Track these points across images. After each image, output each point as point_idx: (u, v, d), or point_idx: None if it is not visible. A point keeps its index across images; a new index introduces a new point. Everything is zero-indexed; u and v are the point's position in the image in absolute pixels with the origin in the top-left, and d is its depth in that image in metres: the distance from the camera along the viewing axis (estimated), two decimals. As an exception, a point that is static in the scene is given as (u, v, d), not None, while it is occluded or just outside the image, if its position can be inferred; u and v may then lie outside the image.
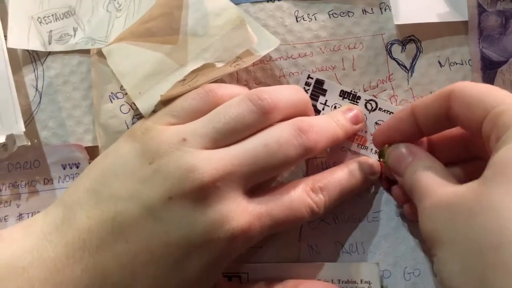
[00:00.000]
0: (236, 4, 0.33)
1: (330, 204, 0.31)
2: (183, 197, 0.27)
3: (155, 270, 0.27)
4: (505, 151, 0.23)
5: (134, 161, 0.29)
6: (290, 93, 0.31)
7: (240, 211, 0.27)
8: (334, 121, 0.32)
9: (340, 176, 0.32)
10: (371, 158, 0.33)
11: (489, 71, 0.33)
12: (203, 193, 0.27)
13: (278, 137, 0.29)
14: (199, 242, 0.27)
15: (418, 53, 0.34)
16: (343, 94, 0.34)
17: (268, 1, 0.34)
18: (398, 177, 0.30)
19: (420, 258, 0.33)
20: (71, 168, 0.34)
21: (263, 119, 0.29)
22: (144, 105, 0.31)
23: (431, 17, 0.33)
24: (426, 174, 0.27)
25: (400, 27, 0.34)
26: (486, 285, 0.22)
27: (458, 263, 0.24)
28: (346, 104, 0.34)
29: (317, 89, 0.34)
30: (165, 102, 0.31)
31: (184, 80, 0.30)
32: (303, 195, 0.30)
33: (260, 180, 0.29)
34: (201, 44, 0.31)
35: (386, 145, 0.31)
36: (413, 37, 0.34)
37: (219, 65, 0.31)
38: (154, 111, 0.31)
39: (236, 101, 0.30)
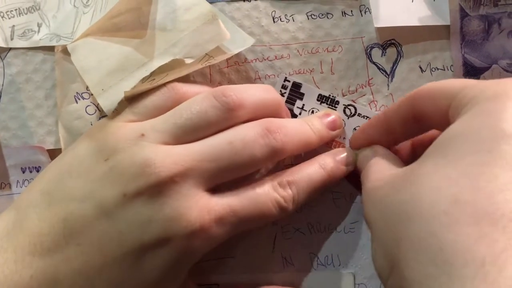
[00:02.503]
0: (211, 3, 0.31)
1: (299, 198, 0.29)
2: (138, 194, 0.25)
3: (110, 273, 0.25)
4: (447, 130, 0.23)
5: (90, 160, 0.27)
6: (259, 92, 0.29)
7: (199, 208, 0.26)
8: (308, 125, 0.30)
9: (309, 169, 0.30)
10: (344, 149, 0.31)
11: (471, 77, 0.32)
12: (159, 189, 0.25)
13: (243, 136, 0.27)
14: (155, 241, 0.25)
15: (399, 57, 0.33)
16: (321, 99, 0.32)
17: (244, 0, 0.33)
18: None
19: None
20: (31, 172, 0.32)
21: (227, 116, 0.28)
22: (106, 103, 0.29)
23: (412, 21, 0.32)
24: (377, 160, 0.27)
25: (380, 30, 0.32)
26: (396, 260, 0.21)
27: (378, 243, 0.23)
28: (324, 109, 0.32)
29: (294, 92, 0.32)
30: (129, 100, 0.29)
31: (150, 77, 0.28)
32: (269, 190, 0.28)
33: (223, 180, 0.28)
34: (170, 39, 0.30)
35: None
36: (393, 41, 0.33)
37: (188, 61, 0.29)
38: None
39: (199, 97, 0.28)
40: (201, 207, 0.26)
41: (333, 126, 0.31)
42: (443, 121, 0.24)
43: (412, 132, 0.28)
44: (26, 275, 0.25)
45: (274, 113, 0.30)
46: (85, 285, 0.25)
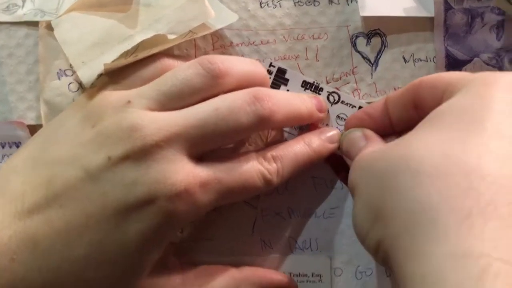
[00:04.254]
0: (199, -15, 0.31)
1: (284, 173, 0.29)
2: (124, 157, 0.25)
3: (91, 235, 0.25)
4: (440, 106, 0.24)
5: (76, 126, 0.27)
6: (246, 63, 0.30)
7: (185, 172, 0.26)
8: (298, 97, 0.31)
9: (294, 146, 0.30)
10: (330, 128, 0.32)
11: (453, 69, 0.33)
12: (145, 153, 0.25)
13: (230, 102, 0.27)
14: (138, 204, 0.25)
15: (383, 47, 0.33)
16: (305, 85, 0.33)
17: (232, -16, 0.33)
18: (349, 161, 0.29)
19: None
20: (10, 147, 0.32)
21: (212, 83, 0.28)
22: (85, 75, 0.29)
23: (397, 11, 0.32)
24: (368, 138, 0.29)
25: (365, 19, 0.33)
26: (380, 211, 0.23)
27: (361, 201, 0.24)
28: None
29: (279, 78, 0.33)
30: (110, 73, 0.29)
31: (133, 53, 0.28)
32: (254, 162, 0.28)
33: (209, 147, 0.28)
34: (154, 15, 0.30)
35: (343, 131, 0.30)
36: (378, 31, 0.33)
37: (171, 37, 0.29)
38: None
39: (185, 65, 0.28)
40: (187, 171, 0.26)
41: (320, 108, 0.31)
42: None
43: (409, 119, 0.29)
44: (5, 236, 0.25)
45: (259, 86, 0.30)
46: (64, 247, 0.25)
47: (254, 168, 0.28)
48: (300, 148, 0.30)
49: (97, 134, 0.26)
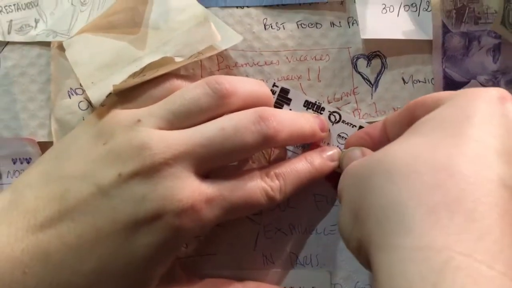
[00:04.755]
0: (205, 7, 0.32)
1: (286, 190, 0.30)
2: (134, 174, 0.26)
3: (102, 249, 0.26)
4: (422, 118, 0.26)
5: (88, 143, 0.28)
6: (251, 84, 0.31)
7: (191, 189, 0.27)
8: (302, 116, 0.32)
9: (297, 163, 0.31)
10: (331, 147, 0.33)
11: (451, 90, 0.34)
12: (154, 170, 0.26)
13: (236, 122, 0.28)
14: (147, 219, 0.26)
15: (383, 68, 0.34)
16: (308, 105, 0.34)
17: (237, 7, 0.34)
18: None
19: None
20: (21, 163, 0.33)
21: (219, 103, 0.29)
22: (95, 95, 0.30)
23: (397, 34, 0.33)
24: (363, 155, 0.30)
25: (366, 42, 0.34)
26: (358, 210, 0.24)
27: (345, 205, 0.26)
28: (310, 114, 0.34)
29: (282, 98, 0.34)
30: (118, 93, 0.30)
31: (141, 73, 0.29)
32: (257, 179, 0.29)
33: (215, 166, 0.29)
34: (162, 38, 0.31)
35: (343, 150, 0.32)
36: (378, 53, 0.34)
37: (178, 59, 0.30)
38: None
39: (193, 85, 0.29)
40: (193, 188, 0.27)
41: (322, 127, 0.32)
42: None
43: None
44: (18, 249, 0.26)
45: (264, 106, 0.31)
46: (76, 260, 0.26)
47: (257, 185, 0.29)
48: (302, 166, 0.31)
49: (108, 151, 0.27)
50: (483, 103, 0.24)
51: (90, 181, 0.27)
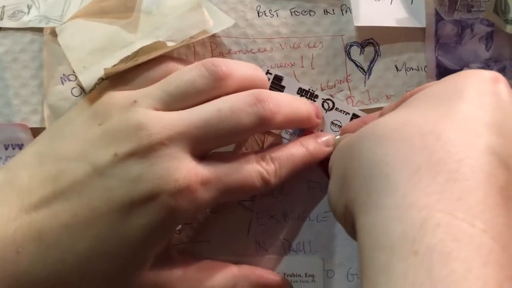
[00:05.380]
0: (199, -5, 0.32)
1: (281, 173, 0.30)
2: (130, 154, 0.26)
3: (96, 229, 0.26)
4: (414, 95, 0.26)
5: (83, 124, 0.28)
6: (247, 67, 0.31)
7: (187, 170, 0.27)
8: (298, 100, 0.32)
9: (291, 148, 0.31)
10: (325, 133, 0.33)
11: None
12: (150, 150, 0.26)
13: (232, 103, 0.28)
14: (142, 198, 0.26)
15: (376, 56, 0.34)
16: (301, 92, 0.34)
17: (231, -6, 0.34)
18: None
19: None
20: (13, 149, 0.33)
21: (215, 85, 0.29)
22: (86, 79, 0.30)
23: (390, 22, 0.33)
24: None
25: (359, 29, 0.34)
26: (345, 176, 0.25)
27: (334, 174, 0.27)
28: (303, 101, 0.34)
29: (275, 85, 0.34)
30: (114, 76, 0.30)
31: (134, 57, 0.29)
32: (253, 162, 0.29)
33: (211, 147, 0.29)
34: (154, 23, 0.31)
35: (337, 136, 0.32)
36: (372, 41, 0.34)
37: (170, 44, 0.30)
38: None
39: (190, 67, 0.29)
40: (189, 169, 0.27)
41: (317, 113, 0.33)
42: None
43: None
44: (11, 228, 0.26)
45: None
46: (70, 239, 0.26)
47: (253, 168, 0.29)
48: (297, 150, 0.31)
49: (104, 132, 0.27)
50: (475, 81, 0.24)
51: (85, 161, 0.27)
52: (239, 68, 0.30)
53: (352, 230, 0.24)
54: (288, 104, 0.30)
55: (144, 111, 0.28)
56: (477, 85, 0.24)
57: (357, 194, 0.23)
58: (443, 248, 0.19)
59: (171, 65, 0.30)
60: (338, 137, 0.32)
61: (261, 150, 0.31)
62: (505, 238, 0.19)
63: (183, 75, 0.29)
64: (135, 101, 0.28)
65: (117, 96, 0.29)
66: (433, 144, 0.21)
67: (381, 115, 0.31)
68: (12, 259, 0.26)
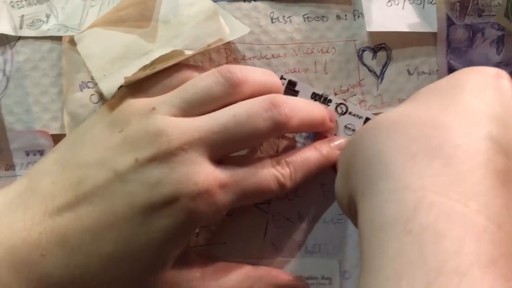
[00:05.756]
0: (213, 1, 0.33)
1: (296, 177, 0.31)
2: (150, 159, 0.27)
3: (118, 233, 0.27)
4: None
5: (104, 131, 0.29)
6: (262, 74, 0.32)
7: (206, 174, 0.28)
8: (312, 104, 0.33)
9: (306, 152, 0.32)
10: (339, 137, 0.34)
11: (455, 82, 0.34)
12: (170, 156, 0.27)
13: (248, 109, 0.29)
14: (163, 202, 0.27)
15: (388, 61, 0.35)
16: (315, 97, 0.34)
17: (244, 1, 0.34)
18: None
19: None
20: (34, 155, 0.33)
21: (231, 92, 0.30)
22: (106, 87, 0.31)
23: (402, 27, 0.34)
24: None
25: (372, 34, 0.34)
26: (349, 168, 0.25)
27: (339, 172, 0.27)
28: (317, 106, 0.34)
29: (289, 90, 0.34)
30: (132, 84, 0.30)
31: (151, 65, 0.30)
32: (269, 166, 0.30)
33: (228, 152, 0.30)
34: (172, 32, 0.31)
35: None
36: (384, 45, 0.35)
37: (188, 52, 0.31)
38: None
39: (206, 74, 0.30)
40: (208, 173, 0.28)
41: (330, 117, 0.33)
42: None
43: None
44: (35, 232, 0.27)
45: None
46: (93, 243, 0.27)
47: (269, 172, 0.30)
48: (311, 154, 0.32)
49: (125, 138, 0.28)
50: (477, 76, 0.25)
51: (106, 167, 0.28)
52: (254, 74, 0.31)
53: (356, 221, 0.25)
54: (302, 108, 0.31)
55: (162, 117, 0.28)
56: (479, 80, 0.25)
57: (358, 183, 0.24)
58: (436, 227, 0.19)
59: (188, 72, 0.31)
60: None
61: (277, 155, 0.32)
62: (502, 217, 0.19)
63: (200, 82, 0.30)
64: (153, 108, 0.29)
65: (136, 104, 0.29)
66: (431, 132, 0.22)
67: None
68: (37, 262, 0.26)
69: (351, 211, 0.25)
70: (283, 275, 0.32)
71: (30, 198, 0.28)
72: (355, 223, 0.25)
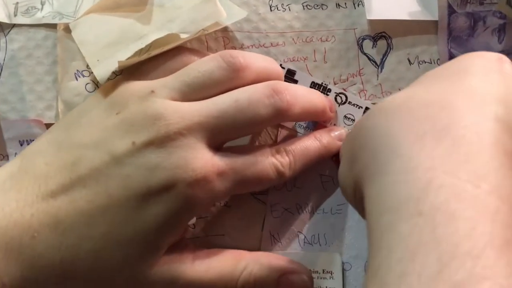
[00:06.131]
0: (210, -10, 0.32)
1: (296, 166, 0.30)
2: (148, 143, 0.27)
3: (112, 216, 0.26)
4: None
5: (101, 113, 0.29)
6: (265, 60, 0.31)
7: (204, 160, 0.27)
8: (314, 92, 0.32)
9: (306, 141, 0.31)
10: (339, 127, 0.33)
11: (456, 71, 0.34)
12: (168, 140, 0.27)
13: (249, 95, 0.29)
14: (159, 187, 0.26)
15: (389, 49, 0.34)
16: (314, 86, 0.34)
17: (243, -11, 0.34)
18: None
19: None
20: (28, 144, 0.33)
21: (232, 76, 0.29)
22: (101, 73, 0.30)
23: (403, 15, 0.33)
24: None
25: (372, 23, 0.34)
26: (354, 154, 0.25)
27: (343, 159, 0.27)
28: (316, 95, 0.34)
29: (288, 79, 0.34)
30: (131, 67, 0.30)
31: (147, 50, 0.30)
32: (268, 155, 0.30)
33: (228, 138, 0.29)
34: (167, 15, 0.31)
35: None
36: (384, 34, 0.34)
37: (183, 36, 0.30)
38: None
39: (207, 58, 0.30)
40: (206, 159, 0.27)
41: (330, 107, 0.33)
42: None
43: None
44: (27, 213, 0.26)
45: None
46: (85, 225, 0.26)
47: (268, 160, 0.29)
48: (311, 143, 0.31)
49: (122, 121, 0.28)
50: (482, 60, 0.25)
51: (102, 149, 0.27)
52: (256, 60, 0.30)
53: (362, 207, 0.24)
54: (304, 96, 0.31)
55: (162, 101, 0.28)
56: (483, 63, 0.24)
57: (365, 167, 0.23)
58: (447, 208, 0.19)
59: (188, 56, 0.30)
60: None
61: (276, 144, 0.31)
62: None
63: (201, 66, 0.29)
64: (152, 91, 0.28)
65: (135, 86, 0.29)
66: (438, 113, 0.22)
67: None
68: (28, 244, 0.26)
69: (356, 198, 0.25)
70: (280, 258, 0.31)
71: (24, 179, 0.27)
72: (360, 211, 0.25)
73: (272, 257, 0.31)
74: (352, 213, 0.33)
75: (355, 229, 0.33)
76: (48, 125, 0.33)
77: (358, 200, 0.24)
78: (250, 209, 0.33)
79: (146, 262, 0.28)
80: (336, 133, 0.32)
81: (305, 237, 0.33)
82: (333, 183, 0.34)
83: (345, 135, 0.32)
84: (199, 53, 0.31)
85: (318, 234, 0.33)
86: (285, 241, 0.33)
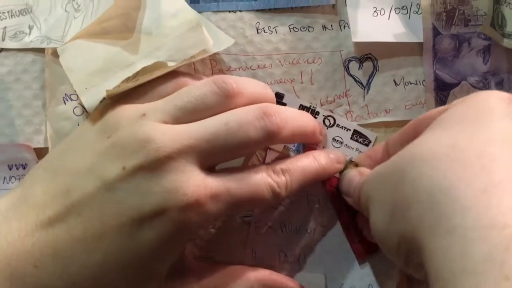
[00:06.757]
0: (198, 12, 0.33)
1: (292, 186, 0.30)
2: (138, 168, 0.27)
3: (108, 242, 0.26)
4: (440, 116, 0.26)
5: (92, 137, 0.29)
6: (257, 86, 0.31)
7: (196, 183, 0.27)
8: (304, 115, 0.32)
9: (303, 160, 0.31)
10: (335, 150, 0.34)
11: (442, 92, 0.34)
12: (158, 164, 0.27)
13: (240, 117, 0.28)
14: (152, 213, 0.26)
15: (375, 71, 0.35)
16: (302, 109, 0.34)
17: (230, 11, 0.34)
18: (347, 198, 0.31)
19: (357, 275, 0.34)
20: (17, 169, 0.33)
21: (225, 102, 0.29)
22: (88, 101, 0.30)
23: (388, 37, 0.34)
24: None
25: (358, 45, 0.34)
26: (396, 203, 0.24)
27: (377, 203, 0.26)
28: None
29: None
30: (122, 92, 0.30)
31: (134, 77, 0.30)
32: (263, 174, 0.29)
33: (219, 160, 0.29)
34: (154, 43, 0.31)
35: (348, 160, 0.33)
36: (370, 55, 0.34)
37: (171, 64, 0.30)
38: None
39: (200, 83, 0.30)
40: (198, 182, 0.27)
41: (320, 129, 0.33)
42: None
43: None
44: (28, 243, 0.26)
45: None
46: (83, 253, 0.26)
47: (263, 180, 0.29)
48: (309, 163, 0.31)
49: (112, 145, 0.28)
50: (497, 101, 0.25)
51: (94, 175, 0.27)
52: (249, 86, 0.30)
53: (406, 260, 0.24)
54: (294, 118, 0.31)
55: (152, 124, 0.28)
56: (501, 105, 0.25)
57: (420, 221, 0.22)
58: None
59: (181, 80, 0.31)
60: (342, 173, 0.33)
61: (272, 162, 0.31)
62: None
63: (194, 90, 0.29)
64: (144, 114, 0.28)
65: (127, 110, 0.29)
66: (491, 166, 0.21)
67: (386, 147, 0.31)
68: (31, 273, 0.26)
69: (401, 251, 0.24)
70: (284, 279, 0.32)
71: (23, 208, 0.27)
72: (402, 263, 0.25)
73: (275, 277, 0.32)
74: (334, 236, 0.34)
75: (335, 253, 0.33)
76: (36, 150, 0.33)
77: (402, 253, 0.24)
78: (233, 227, 0.34)
79: (147, 286, 0.28)
80: (333, 156, 0.32)
81: (286, 255, 0.33)
82: (318, 203, 0.34)
83: (343, 160, 0.33)
84: (192, 76, 0.31)
85: (299, 255, 0.33)
86: (266, 258, 0.33)
